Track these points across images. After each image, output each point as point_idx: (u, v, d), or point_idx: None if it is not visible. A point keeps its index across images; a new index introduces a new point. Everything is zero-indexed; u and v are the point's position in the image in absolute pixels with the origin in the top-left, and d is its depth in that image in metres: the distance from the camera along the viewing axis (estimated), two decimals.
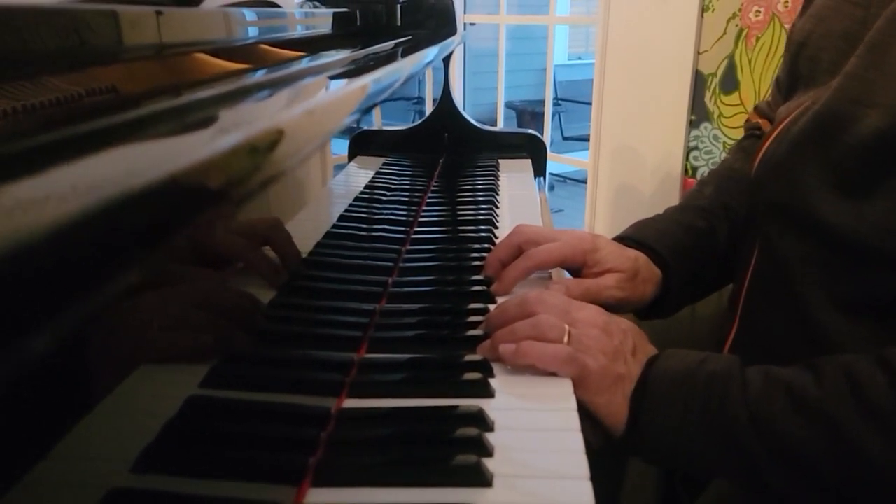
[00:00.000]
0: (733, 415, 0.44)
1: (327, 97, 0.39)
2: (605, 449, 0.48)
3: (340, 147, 1.13)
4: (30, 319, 0.17)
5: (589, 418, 0.47)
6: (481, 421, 0.41)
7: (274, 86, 0.39)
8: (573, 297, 0.58)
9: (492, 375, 0.46)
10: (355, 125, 1.16)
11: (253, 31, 0.49)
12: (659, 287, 0.63)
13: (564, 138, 4.21)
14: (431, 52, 0.79)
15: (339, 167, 1.07)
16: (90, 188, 0.19)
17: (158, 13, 0.35)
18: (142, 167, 0.21)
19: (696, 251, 0.65)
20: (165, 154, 0.23)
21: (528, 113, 4.38)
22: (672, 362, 0.48)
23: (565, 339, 0.47)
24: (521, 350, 0.46)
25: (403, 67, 0.58)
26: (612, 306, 0.61)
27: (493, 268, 0.62)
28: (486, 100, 2.66)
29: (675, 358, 0.48)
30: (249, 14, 0.48)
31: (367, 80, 0.44)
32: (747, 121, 0.77)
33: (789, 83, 0.60)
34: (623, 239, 0.65)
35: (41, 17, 0.26)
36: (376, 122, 1.30)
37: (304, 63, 0.52)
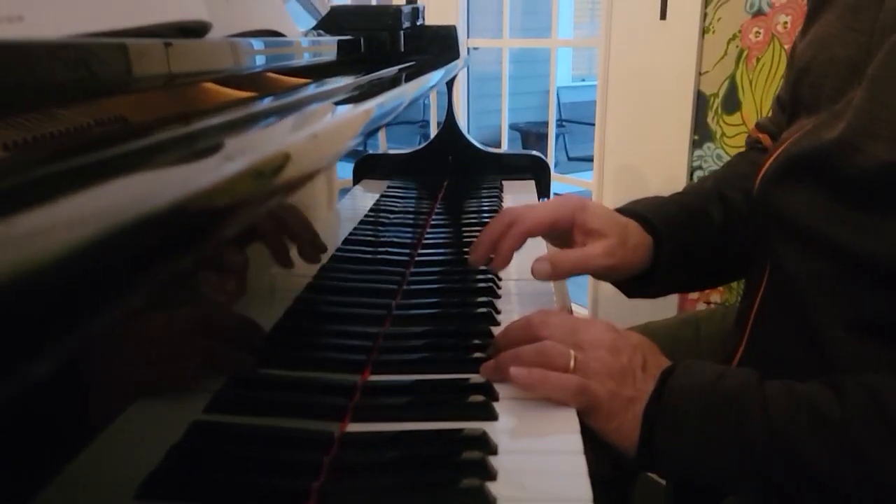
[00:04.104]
0: (752, 433, 0.44)
1: (333, 121, 0.40)
2: (610, 472, 0.47)
3: (346, 171, 1.14)
4: (37, 345, 0.17)
5: (595, 446, 0.46)
6: (485, 444, 0.41)
7: (280, 112, 0.40)
8: (561, 271, 0.58)
9: (495, 398, 0.47)
10: (361, 149, 1.17)
11: (259, 60, 0.50)
12: (650, 255, 0.62)
13: (570, 159, 4.23)
14: (435, 77, 0.80)
15: (345, 191, 1.08)
16: (97, 216, 0.19)
17: (167, 45, 0.36)
18: (149, 194, 0.21)
19: (690, 228, 0.64)
20: (173, 181, 0.24)
21: (533, 134, 4.41)
22: (688, 378, 0.47)
23: (571, 364, 0.47)
24: (533, 379, 0.46)
25: (407, 91, 0.59)
26: (602, 274, 0.61)
27: (484, 247, 0.61)
28: (490, 122, 2.68)
29: (690, 373, 0.48)
30: (256, 43, 0.49)
31: (372, 105, 0.45)
32: (749, 136, 0.78)
33: (792, 108, 0.61)
34: (618, 210, 0.65)
35: (53, 51, 0.27)
36: (381, 145, 1.31)
37: (310, 89, 0.53)
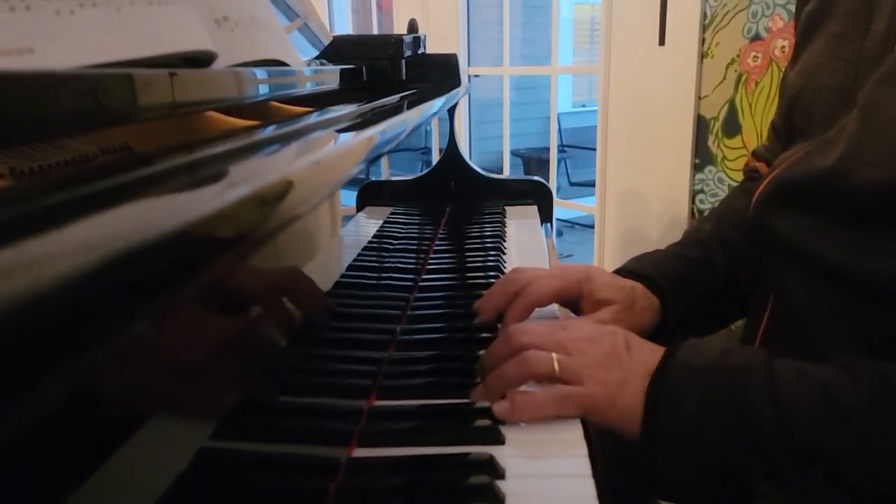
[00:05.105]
0: (757, 407, 0.43)
1: (335, 148, 0.40)
2: (622, 486, 0.46)
3: (349, 199, 1.14)
4: (43, 370, 0.17)
5: (604, 477, 0.45)
6: (492, 468, 0.41)
7: (284, 140, 0.41)
8: None
9: (502, 421, 0.46)
10: (363, 176, 1.18)
11: (263, 89, 0.50)
12: (658, 315, 0.63)
13: (571, 184, 4.24)
14: (436, 104, 0.81)
15: (348, 218, 1.08)
16: (101, 243, 0.19)
17: (172, 74, 0.37)
18: (153, 221, 0.22)
19: (693, 280, 0.65)
20: (176, 208, 0.24)
21: (535, 160, 4.43)
22: (692, 353, 0.47)
23: (555, 366, 0.47)
24: (517, 407, 0.46)
25: (408, 119, 0.59)
26: None
27: (487, 314, 0.62)
28: (492, 148, 2.70)
29: (695, 348, 0.48)
30: (260, 73, 0.50)
31: (374, 132, 0.45)
32: (746, 165, 0.78)
33: (787, 134, 0.62)
34: (619, 271, 0.66)
35: (61, 82, 0.28)
36: (384, 172, 1.32)
37: (313, 118, 0.54)
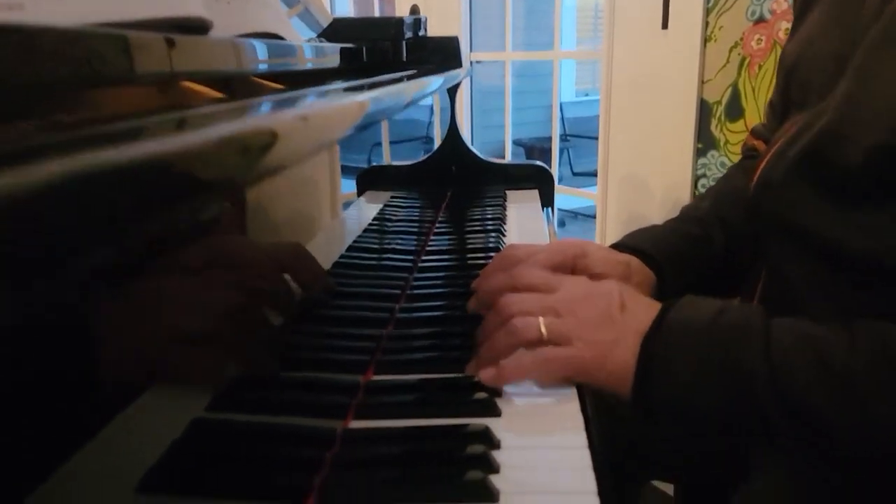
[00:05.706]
0: (751, 369, 0.42)
1: (324, 106, 0.40)
2: (618, 466, 0.46)
3: (350, 186, 1.14)
4: (39, 330, 0.17)
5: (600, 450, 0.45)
6: (487, 439, 0.41)
7: (276, 103, 0.40)
8: None
9: (498, 394, 0.46)
10: (365, 165, 1.18)
11: (260, 62, 0.50)
12: (654, 291, 0.62)
13: (574, 174, 4.23)
14: (435, 81, 0.80)
15: (348, 204, 1.08)
16: (82, 173, 0.18)
17: (168, 41, 0.36)
18: (130, 150, 0.20)
19: (691, 256, 0.64)
20: (153, 143, 0.23)
21: (537, 149, 4.42)
22: (687, 312, 0.46)
23: (542, 331, 0.47)
24: (502, 372, 0.46)
25: (405, 90, 0.59)
26: None
27: (486, 295, 0.61)
28: (494, 137, 2.69)
29: (690, 307, 0.47)
30: (259, 45, 0.49)
31: (367, 97, 0.45)
32: (744, 144, 0.78)
33: (783, 107, 0.61)
34: (616, 246, 0.65)
35: (51, 41, 0.27)
36: (386, 161, 1.31)
37: (310, 91, 0.53)
